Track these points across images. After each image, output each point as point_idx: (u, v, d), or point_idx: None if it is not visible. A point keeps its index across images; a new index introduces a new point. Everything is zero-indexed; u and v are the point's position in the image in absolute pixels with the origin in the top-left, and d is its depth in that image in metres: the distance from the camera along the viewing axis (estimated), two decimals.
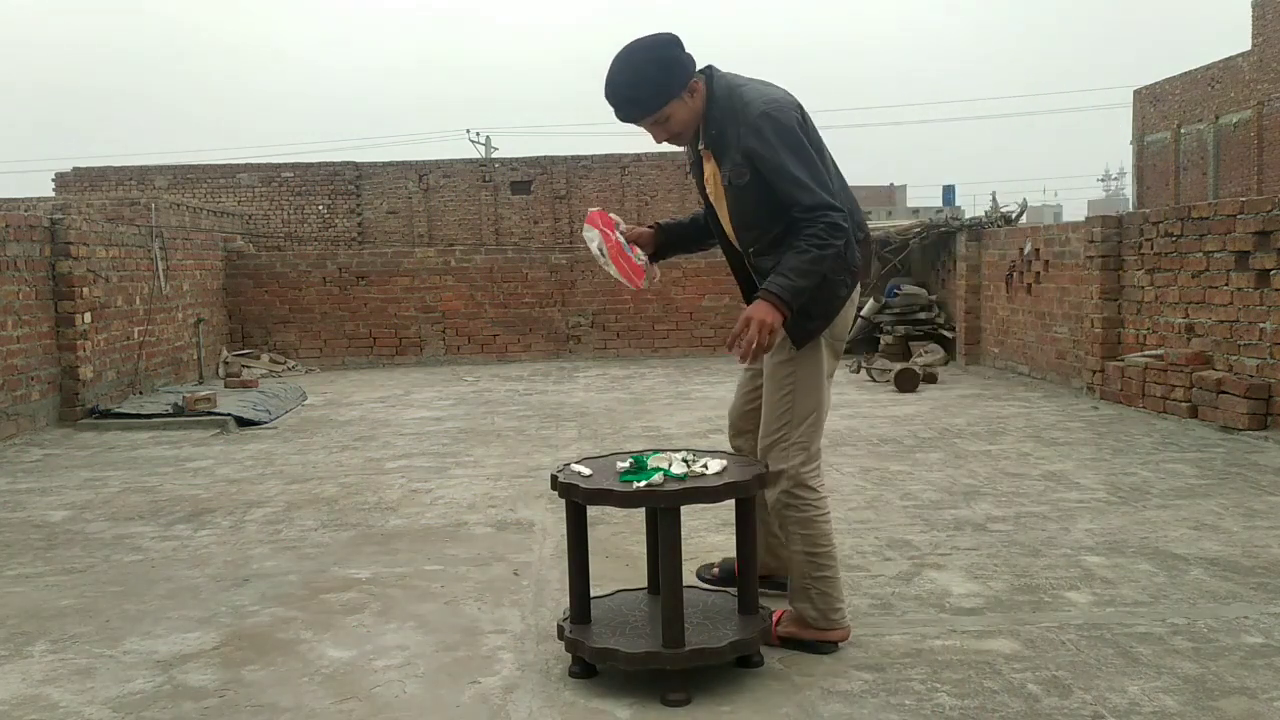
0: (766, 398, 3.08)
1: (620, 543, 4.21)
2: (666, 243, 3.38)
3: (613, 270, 3.23)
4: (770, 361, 3.05)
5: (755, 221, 3.00)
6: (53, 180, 23.48)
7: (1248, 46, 26.65)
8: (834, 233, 2.84)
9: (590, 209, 3.38)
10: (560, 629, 2.98)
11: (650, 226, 3.38)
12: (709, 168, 3.08)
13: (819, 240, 2.82)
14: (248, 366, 11.21)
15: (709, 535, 4.31)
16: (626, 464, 2.99)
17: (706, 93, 2.96)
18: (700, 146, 3.06)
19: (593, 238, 3.25)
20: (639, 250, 3.31)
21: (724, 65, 3.05)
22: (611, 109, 3.00)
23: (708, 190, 3.15)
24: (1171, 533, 4.22)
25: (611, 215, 3.33)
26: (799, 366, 3.02)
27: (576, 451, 6.23)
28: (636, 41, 2.96)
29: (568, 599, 3.06)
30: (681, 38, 2.97)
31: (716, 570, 3.57)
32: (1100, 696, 2.69)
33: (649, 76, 2.90)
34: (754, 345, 2.83)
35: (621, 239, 3.26)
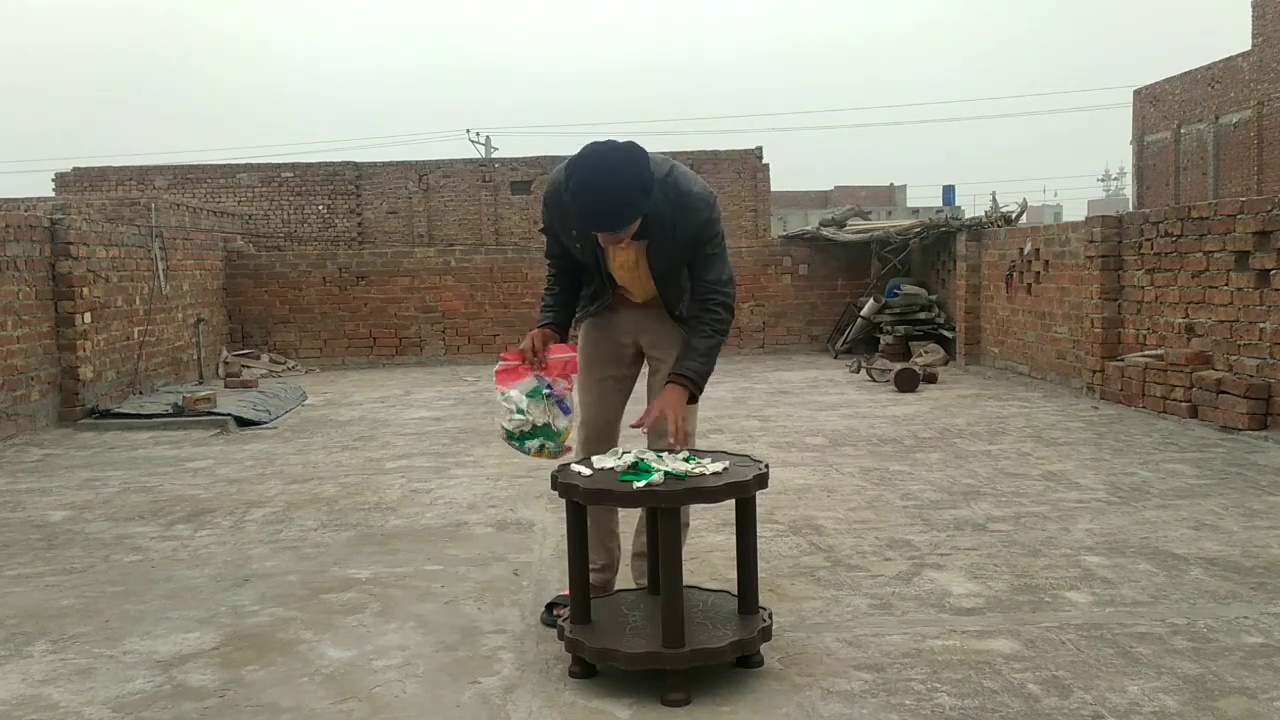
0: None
1: (620, 542, 4.20)
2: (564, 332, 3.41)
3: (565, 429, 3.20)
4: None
5: (680, 289, 3.23)
6: (53, 180, 23.42)
7: (1248, 46, 26.65)
8: (730, 311, 3.16)
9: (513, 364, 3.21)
10: (560, 629, 2.98)
11: (545, 327, 3.29)
12: (631, 251, 3.15)
13: (720, 324, 3.13)
14: (248, 366, 11.21)
15: (709, 535, 4.31)
16: (625, 463, 2.98)
17: None
18: (628, 240, 3.08)
19: (532, 397, 3.17)
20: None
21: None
22: (578, 216, 2.98)
23: (618, 266, 3.20)
24: (1171, 533, 4.22)
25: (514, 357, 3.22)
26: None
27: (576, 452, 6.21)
28: (613, 158, 2.92)
29: (568, 598, 3.06)
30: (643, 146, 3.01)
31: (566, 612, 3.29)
32: (1100, 696, 2.69)
33: (631, 202, 2.91)
34: (675, 427, 3.01)
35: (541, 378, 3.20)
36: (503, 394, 3.20)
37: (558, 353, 3.24)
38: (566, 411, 3.22)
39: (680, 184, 3.08)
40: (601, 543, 3.36)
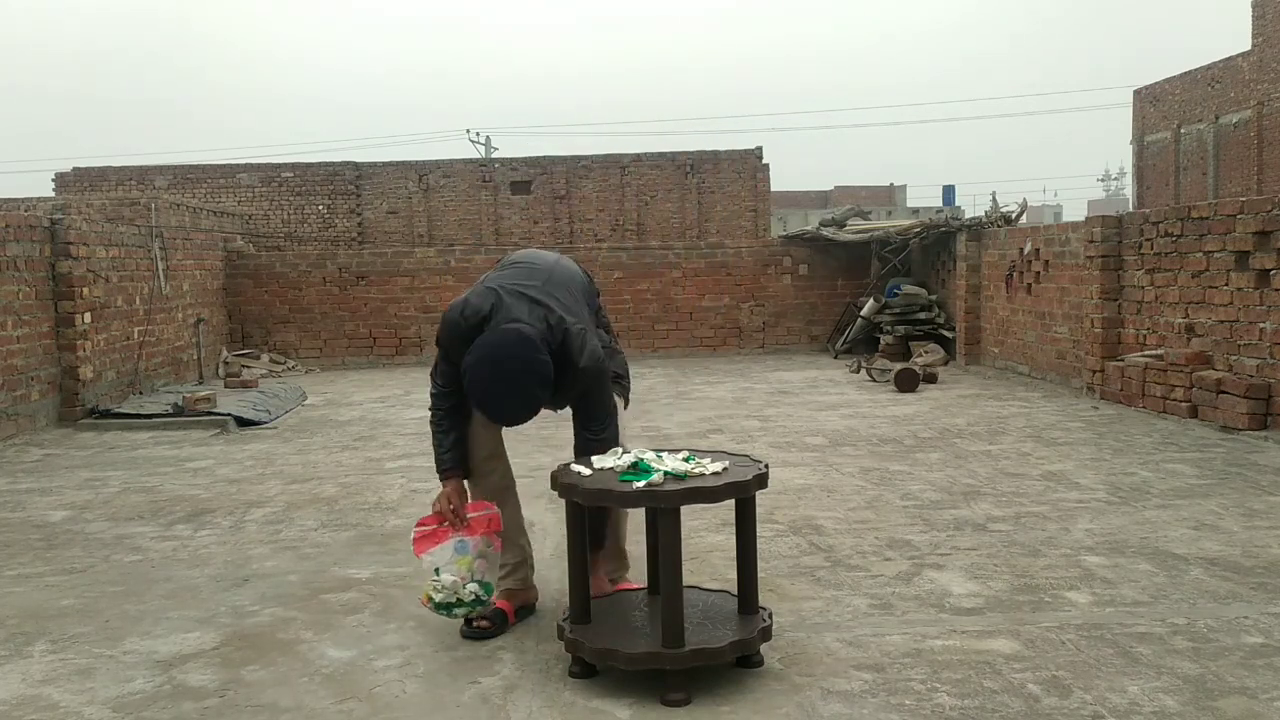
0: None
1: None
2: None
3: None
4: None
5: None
6: (53, 180, 23.40)
7: (1248, 46, 26.65)
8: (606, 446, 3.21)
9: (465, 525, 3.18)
10: (560, 629, 2.98)
11: (451, 478, 3.29)
12: None
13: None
14: (248, 366, 11.21)
15: (709, 535, 4.31)
16: (625, 463, 2.98)
17: None
18: None
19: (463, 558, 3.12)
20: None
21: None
22: (488, 417, 3.12)
23: None
24: (1171, 533, 4.22)
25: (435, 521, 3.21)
26: None
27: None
28: (509, 362, 2.97)
29: (568, 599, 3.07)
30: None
31: (486, 623, 3.29)
32: (1100, 696, 2.69)
33: (535, 396, 3.02)
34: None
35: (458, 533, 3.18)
36: (434, 570, 3.13)
37: (477, 510, 3.19)
38: (492, 565, 3.20)
39: (571, 344, 3.10)
40: (511, 539, 3.36)
